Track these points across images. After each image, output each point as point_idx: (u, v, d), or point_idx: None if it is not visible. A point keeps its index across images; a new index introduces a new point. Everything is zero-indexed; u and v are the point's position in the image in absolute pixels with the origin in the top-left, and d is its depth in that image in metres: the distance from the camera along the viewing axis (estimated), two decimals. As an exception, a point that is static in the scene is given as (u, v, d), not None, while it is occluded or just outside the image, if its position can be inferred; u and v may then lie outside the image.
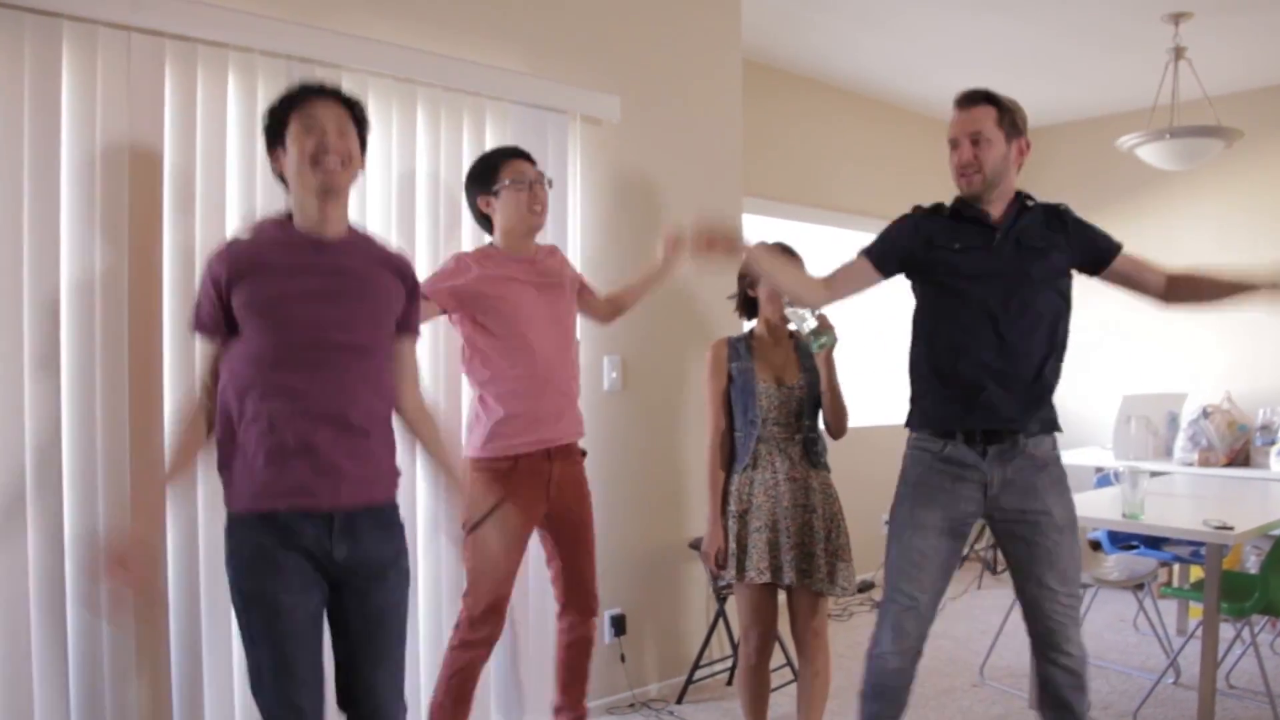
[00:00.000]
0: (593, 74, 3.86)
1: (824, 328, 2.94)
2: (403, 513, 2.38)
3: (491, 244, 3.09)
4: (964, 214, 2.67)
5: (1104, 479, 5.24)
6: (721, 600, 4.16)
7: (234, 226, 2.85)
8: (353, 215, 3.08)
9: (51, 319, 2.61)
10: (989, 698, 4.14)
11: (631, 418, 4.00)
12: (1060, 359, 2.68)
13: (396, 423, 2.35)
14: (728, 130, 4.42)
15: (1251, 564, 5.11)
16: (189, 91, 2.82)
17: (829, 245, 6.11)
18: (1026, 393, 2.60)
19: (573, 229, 3.79)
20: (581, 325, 3.70)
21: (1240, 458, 5.44)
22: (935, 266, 2.65)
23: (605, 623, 3.91)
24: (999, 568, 6.21)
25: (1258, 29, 5.12)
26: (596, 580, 3.21)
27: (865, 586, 5.92)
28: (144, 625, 2.73)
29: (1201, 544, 3.78)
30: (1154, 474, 4.74)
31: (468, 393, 3.16)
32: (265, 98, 2.79)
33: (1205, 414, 5.51)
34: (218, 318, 2.16)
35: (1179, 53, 5.06)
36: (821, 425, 3.19)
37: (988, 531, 2.76)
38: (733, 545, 3.10)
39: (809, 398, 3.12)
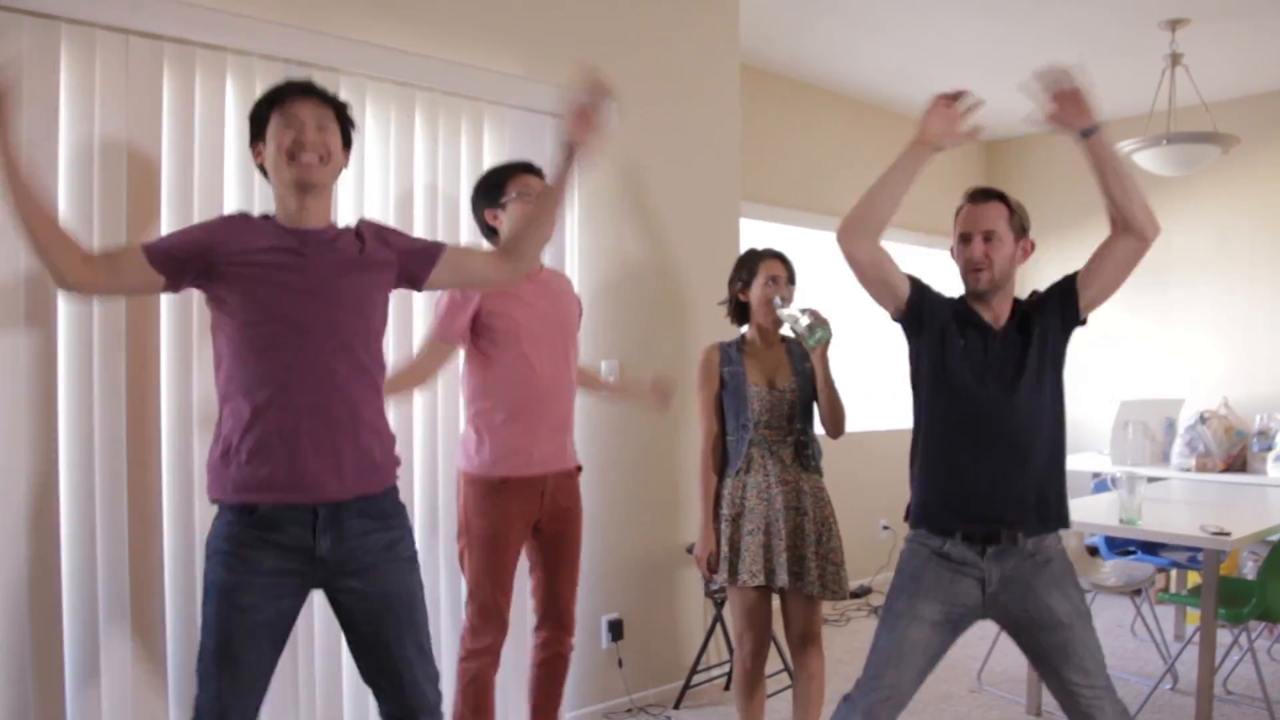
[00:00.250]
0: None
1: (818, 322, 2.94)
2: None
3: None
4: (968, 317, 2.59)
5: (1101, 484, 5.24)
6: (719, 605, 4.16)
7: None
8: (350, 220, 3.11)
9: (48, 320, 2.61)
10: (987, 704, 4.14)
11: (629, 421, 3.99)
12: (1061, 453, 2.60)
13: (392, 410, 2.34)
14: (725, 135, 4.43)
15: (1249, 570, 5.11)
16: (187, 95, 2.82)
17: (825, 250, 6.12)
18: (1030, 490, 2.52)
19: (570, 234, 3.79)
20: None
21: (1237, 463, 5.44)
22: (938, 358, 2.57)
23: (603, 627, 3.91)
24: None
25: (1255, 35, 5.13)
26: (575, 600, 3.14)
27: (861, 592, 5.92)
28: (140, 623, 2.73)
29: (1199, 549, 3.78)
30: (1151, 479, 4.74)
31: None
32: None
33: (1203, 420, 5.52)
34: (169, 258, 2.11)
35: (1176, 59, 5.07)
36: (818, 429, 3.19)
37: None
38: (725, 549, 3.10)
39: (801, 401, 3.12)
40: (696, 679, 4.18)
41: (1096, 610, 5.15)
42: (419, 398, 3.28)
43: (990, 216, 2.55)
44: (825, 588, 3.07)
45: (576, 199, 3.80)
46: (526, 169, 3.02)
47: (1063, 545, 2.60)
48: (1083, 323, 2.57)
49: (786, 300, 3.11)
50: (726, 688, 4.21)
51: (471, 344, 2.95)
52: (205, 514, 2.74)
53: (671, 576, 4.20)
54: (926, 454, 2.62)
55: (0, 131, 1.95)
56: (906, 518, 2.67)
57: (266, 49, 2.93)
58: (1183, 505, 4.45)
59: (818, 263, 5.96)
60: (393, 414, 3.11)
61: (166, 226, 2.78)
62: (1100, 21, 4.95)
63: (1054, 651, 2.52)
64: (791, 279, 3.18)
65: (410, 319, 3.25)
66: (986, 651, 4.46)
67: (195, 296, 2.58)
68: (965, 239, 2.57)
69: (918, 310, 2.60)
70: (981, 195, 2.60)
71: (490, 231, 3.05)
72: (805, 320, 2.96)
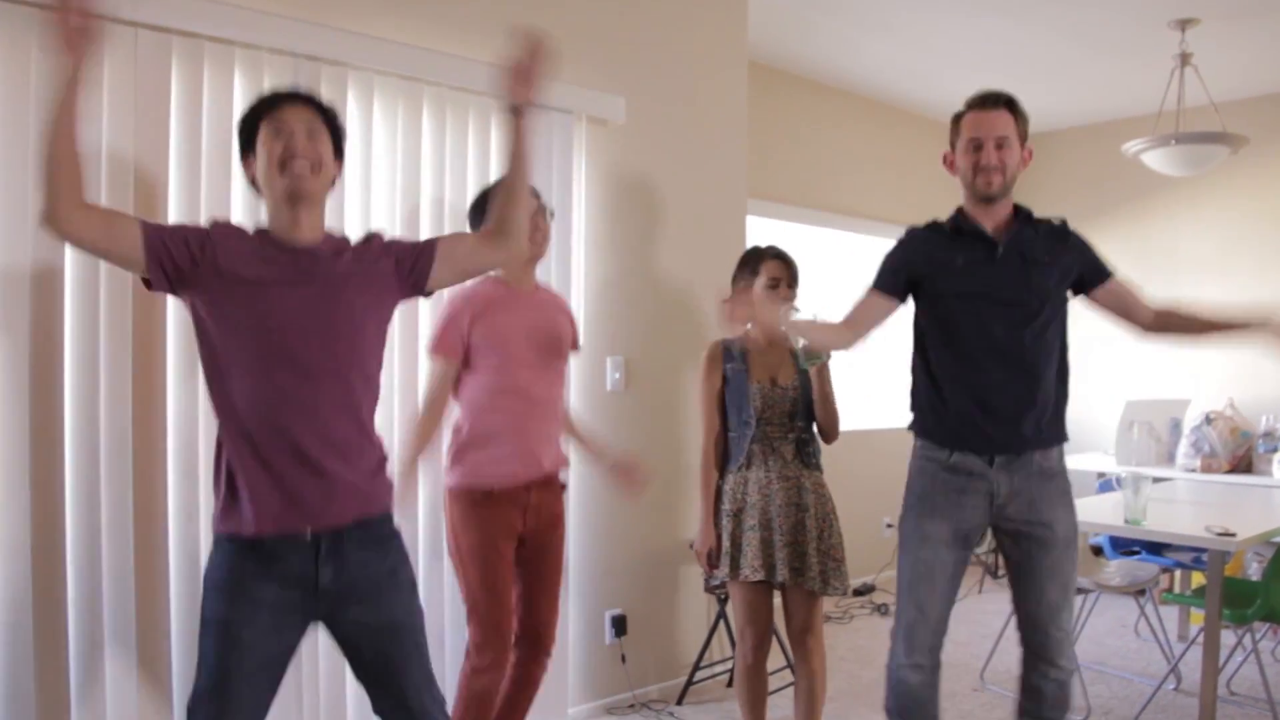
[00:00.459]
0: (598, 75, 3.86)
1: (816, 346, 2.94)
2: (405, 537, 2.31)
3: (493, 275, 3.00)
4: (963, 229, 2.66)
5: (1106, 484, 5.24)
6: (722, 601, 4.16)
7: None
8: (357, 215, 3.13)
9: (56, 313, 2.62)
10: (990, 702, 4.14)
11: (633, 418, 4.00)
12: (1066, 369, 2.68)
13: (393, 430, 2.27)
14: (733, 132, 4.43)
15: (1253, 571, 5.11)
16: (195, 88, 2.83)
17: (832, 247, 6.12)
18: (1034, 407, 2.59)
19: (577, 229, 3.79)
20: (584, 326, 3.71)
21: (1243, 464, 5.43)
22: (937, 284, 2.65)
23: (606, 623, 3.91)
24: (1000, 572, 6.20)
25: (1264, 36, 5.12)
26: (555, 620, 3.06)
27: (864, 589, 5.92)
28: (145, 637, 2.73)
29: (1203, 550, 3.78)
30: (1156, 480, 4.74)
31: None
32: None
33: (1208, 420, 5.51)
34: (160, 242, 2.01)
35: (1185, 59, 5.06)
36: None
37: (989, 535, 2.75)
38: (727, 544, 3.11)
39: (803, 398, 3.13)
40: (699, 675, 4.19)
41: (1100, 610, 5.18)
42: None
43: (1001, 123, 2.60)
44: (826, 583, 3.07)
45: (584, 196, 3.81)
46: None
47: (1064, 462, 2.68)
48: (1075, 294, 2.72)
49: (789, 309, 3.08)
50: (729, 684, 4.22)
51: (460, 358, 2.91)
52: (208, 537, 2.75)
53: (675, 573, 4.20)
54: (931, 364, 2.67)
55: (77, 49, 1.90)
56: (912, 428, 2.72)
57: (275, 43, 2.93)
58: (1187, 506, 4.45)
59: (824, 260, 5.98)
60: (396, 434, 3.14)
61: (174, 220, 2.79)
62: (1110, 21, 4.94)
63: (1044, 567, 2.60)
64: (793, 280, 3.17)
65: (415, 339, 3.26)
66: (990, 650, 4.46)
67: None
68: (977, 145, 2.60)
69: (904, 287, 2.71)
70: (990, 101, 2.63)
71: None
72: (803, 340, 2.95)
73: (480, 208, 2.99)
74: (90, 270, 2.66)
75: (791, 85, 5.84)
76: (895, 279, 2.71)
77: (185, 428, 2.83)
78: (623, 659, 3.96)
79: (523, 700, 3.06)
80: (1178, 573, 5.01)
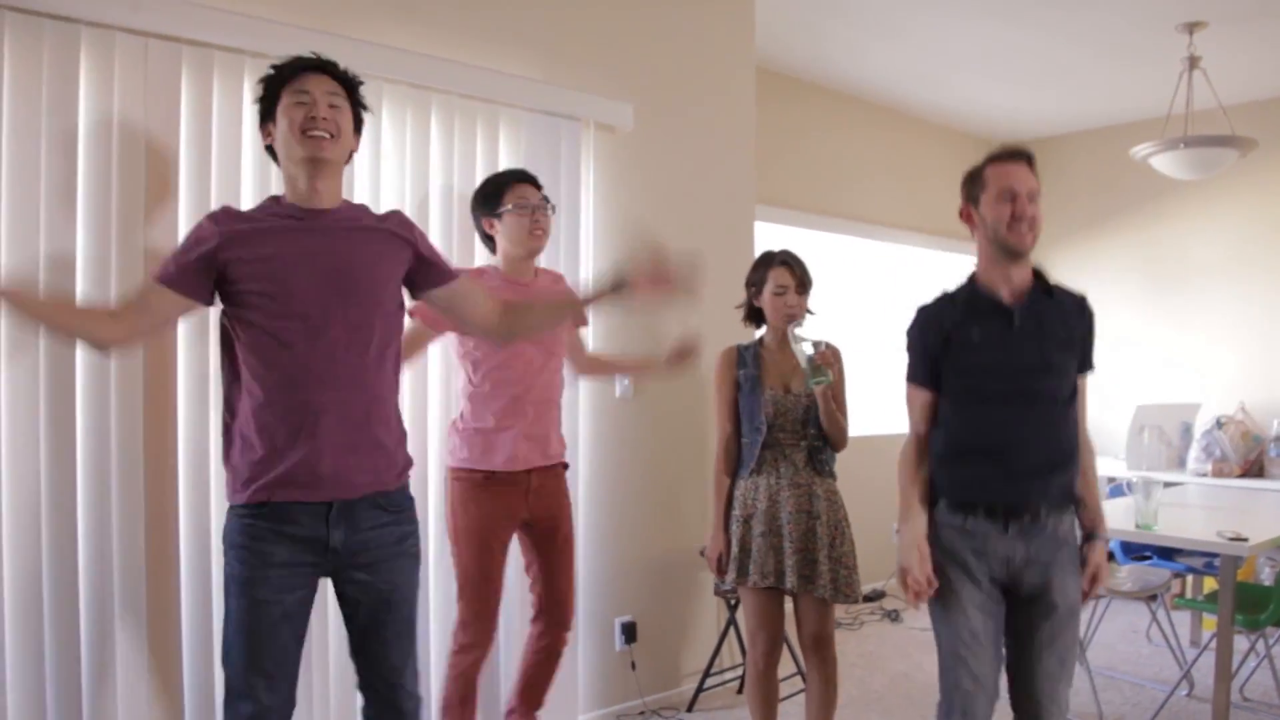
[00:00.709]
0: (606, 81, 3.87)
1: (824, 364, 2.93)
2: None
3: (494, 266, 3.10)
4: (977, 302, 2.54)
5: (1117, 489, 5.22)
6: (732, 608, 4.16)
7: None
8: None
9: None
10: (999, 707, 4.12)
11: (643, 425, 4.00)
12: (1077, 425, 2.59)
13: (408, 409, 2.31)
14: (741, 138, 4.43)
15: (1266, 576, 5.08)
16: (205, 98, 2.84)
17: (841, 253, 6.12)
18: (1050, 472, 2.51)
19: (585, 236, 3.80)
20: (592, 333, 3.71)
21: (1255, 469, 5.42)
22: (955, 360, 2.54)
23: (616, 630, 3.91)
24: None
25: (1273, 38, 5.10)
26: (573, 594, 3.18)
27: (874, 596, 5.91)
28: (156, 623, 2.75)
29: (1215, 555, 3.76)
30: (1167, 484, 4.72)
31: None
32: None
33: (1219, 424, 5.49)
34: (184, 275, 2.10)
35: (1193, 62, 5.05)
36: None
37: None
38: (736, 549, 3.12)
39: (815, 406, 3.12)
40: (709, 682, 4.18)
41: (1111, 615, 5.16)
42: (436, 397, 3.29)
43: (1029, 178, 2.48)
44: (837, 591, 3.06)
45: (592, 202, 3.81)
46: (523, 178, 3.04)
47: (1075, 529, 2.60)
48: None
49: (800, 324, 3.07)
50: (739, 691, 4.21)
51: (459, 344, 2.99)
52: (221, 508, 2.76)
53: (685, 580, 4.20)
54: (946, 440, 2.58)
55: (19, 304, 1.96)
56: (925, 498, 2.64)
57: (284, 52, 2.87)
58: (1199, 510, 4.43)
59: (832, 266, 5.97)
60: (409, 414, 3.16)
61: (184, 229, 2.80)
62: (1117, 24, 4.94)
63: (1047, 635, 2.52)
64: (802, 286, 3.16)
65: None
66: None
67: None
68: (1011, 195, 2.43)
69: (934, 375, 2.58)
70: (1020, 155, 2.50)
71: (487, 239, 3.08)
72: (809, 352, 2.94)
73: (483, 197, 3.04)
74: (102, 276, 2.67)
75: (799, 91, 5.84)
76: (928, 371, 2.58)
77: (196, 424, 2.83)
78: (633, 666, 3.95)
79: (545, 672, 3.18)
80: (1189, 578, 4.99)
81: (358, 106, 2.24)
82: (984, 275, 2.54)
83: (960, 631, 2.51)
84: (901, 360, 2.65)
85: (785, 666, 3.31)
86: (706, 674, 4.15)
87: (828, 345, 2.99)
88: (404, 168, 3.26)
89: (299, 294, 2.10)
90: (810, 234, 5.82)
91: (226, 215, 2.17)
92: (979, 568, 2.51)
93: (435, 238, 3.30)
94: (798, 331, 3.00)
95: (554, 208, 3.13)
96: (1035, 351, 2.48)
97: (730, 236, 4.34)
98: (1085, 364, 2.59)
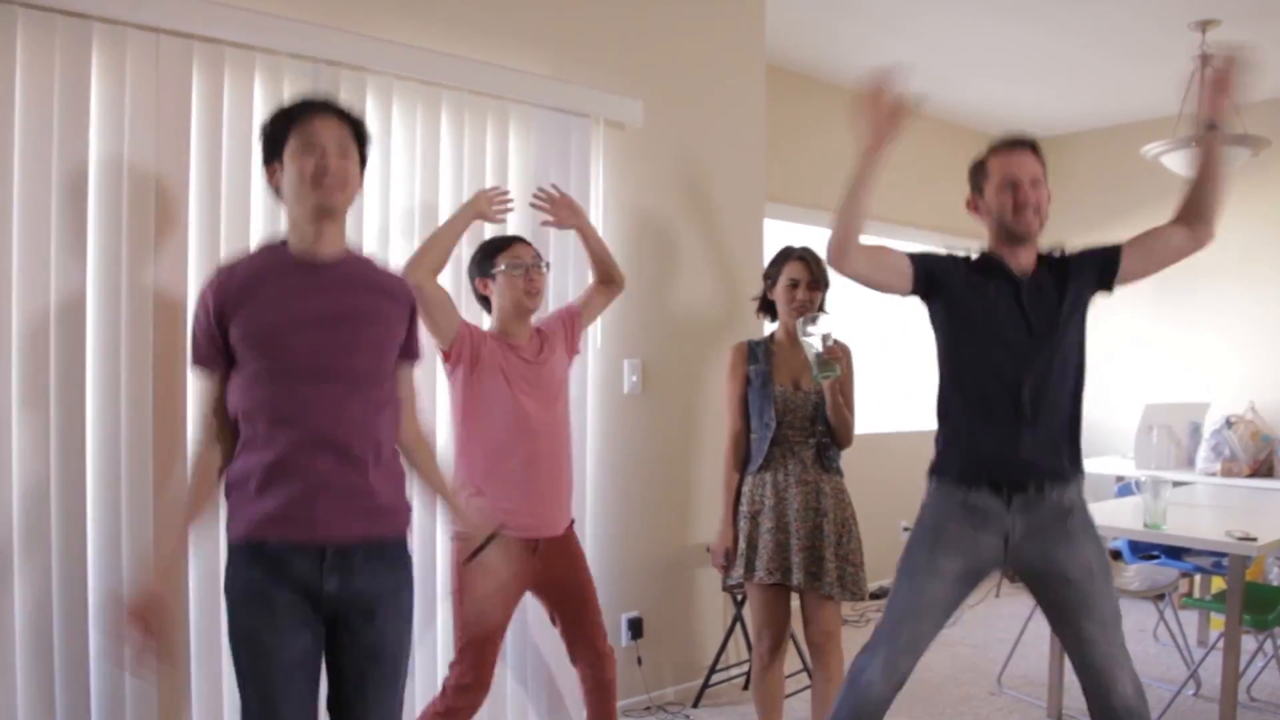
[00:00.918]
0: (616, 78, 3.87)
1: (832, 359, 2.93)
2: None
3: (489, 329, 2.98)
4: (994, 268, 2.59)
5: (1125, 488, 5.21)
6: (739, 605, 4.17)
7: (247, 238, 2.87)
8: (375, 220, 3.14)
9: (77, 333, 2.65)
10: (1007, 706, 4.13)
11: (651, 421, 4.01)
12: (1082, 397, 2.61)
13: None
14: (751, 135, 4.43)
15: (1274, 576, 5.07)
16: (216, 94, 2.86)
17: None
18: (1055, 439, 2.54)
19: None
20: (601, 329, 3.72)
21: (1264, 468, 5.40)
22: (962, 302, 2.58)
23: (622, 625, 3.92)
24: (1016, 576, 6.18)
25: (1286, 37, 5.08)
26: (602, 627, 3.02)
27: (881, 593, 5.90)
28: (166, 668, 2.70)
29: (1224, 555, 3.75)
30: (1176, 484, 4.72)
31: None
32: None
33: (1229, 424, 5.48)
34: (214, 351, 2.08)
35: (1205, 60, 5.03)
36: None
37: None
38: (743, 545, 3.13)
39: (824, 403, 3.13)
40: (715, 678, 4.19)
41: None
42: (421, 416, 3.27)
43: (1032, 164, 2.57)
44: (844, 589, 3.07)
45: (601, 199, 3.82)
46: (518, 241, 2.97)
47: (1083, 496, 2.61)
48: (1110, 291, 2.60)
49: (810, 318, 3.04)
50: (745, 687, 4.22)
51: (463, 401, 2.88)
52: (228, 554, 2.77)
53: (691, 576, 4.21)
54: (954, 404, 2.62)
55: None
56: (932, 471, 2.66)
57: (295, 48, 2.95)
58: (1208, 510, 4.42)
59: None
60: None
61: (193, 226, 2.82)
62: (1129, 23, 4.92)
63: (1074, 604, 2.53)
64: (817, 282, 3.16)
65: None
66: (1007, 654, 4.45)
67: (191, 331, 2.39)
68: (1014, 184, 2.54)
69: (927, 274, 2.61)
70: (1022, 143, 2.60)
71: (483, 300, 3.01)
72: (818, 348, 2.94)
73: (478, 260, 2.97)
74: (112, 274, 2.69)
75: (809, 88, 5.83)
76: (930, 268, 2.61)
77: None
78: (639, 661, 3.96)
79: (607, 702, 3.03)
80: (1197, 577, 4.98)
81: (363, 146, 2.18)
82: (994, 250, 2.63)
83: (921, 594, 2.57)
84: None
85: (792, 663, 3.32)
86: (712, 670, 4.16)
87: (837, 340, 3.00)
88: (414, 165, 3.26)
89: (300, 348, 2.06)
90: (821, 231, 5.79)
91: (220, 284, 2.09)
92: (972, 542, 2.55)
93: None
94: (809, 327, 3.01)
95: (548, 265, 3.04)
96: (1040, 316, 2.53)
97: (740, 234, 4.34)
98: (1110, 258, 2.58)
